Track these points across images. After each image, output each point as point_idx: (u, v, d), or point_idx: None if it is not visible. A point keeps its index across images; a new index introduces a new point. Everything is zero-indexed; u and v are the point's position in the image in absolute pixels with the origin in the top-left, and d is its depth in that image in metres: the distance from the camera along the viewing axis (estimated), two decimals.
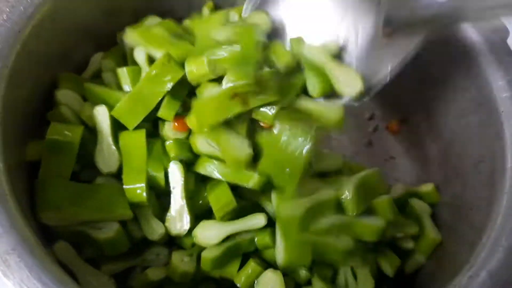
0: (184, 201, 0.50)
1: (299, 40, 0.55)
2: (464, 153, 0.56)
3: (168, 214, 0.51)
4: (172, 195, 0.51)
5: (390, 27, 0.50)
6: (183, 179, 0.50)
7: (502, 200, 0.45)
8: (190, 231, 0.50)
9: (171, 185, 0.51)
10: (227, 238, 0.50)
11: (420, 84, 0.64)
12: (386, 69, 0.51)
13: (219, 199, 0.50)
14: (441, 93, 0.61)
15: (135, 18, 0.62)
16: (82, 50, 0.62)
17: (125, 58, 0.61)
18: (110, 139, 0.52)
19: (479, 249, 0.43)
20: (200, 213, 0.52)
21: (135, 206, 0.49)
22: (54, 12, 0.53)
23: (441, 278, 0.51)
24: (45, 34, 0.53)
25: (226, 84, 0.49)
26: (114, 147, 0.51)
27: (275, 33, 0.57)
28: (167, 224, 0.51)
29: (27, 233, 0.40)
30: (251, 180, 0.49)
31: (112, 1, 0.62)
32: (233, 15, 0.60)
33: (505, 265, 0.41)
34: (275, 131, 0.49)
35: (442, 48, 0.58)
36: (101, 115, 0.52)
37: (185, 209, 0.50)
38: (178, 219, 0.50)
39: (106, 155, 0.52)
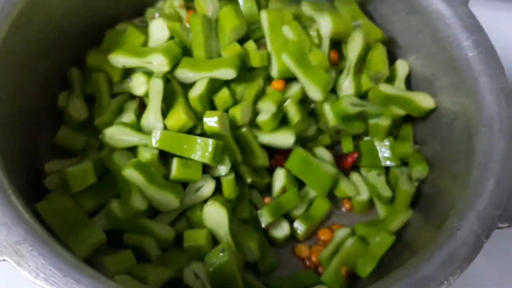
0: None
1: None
2: (438, 113, 0.60)
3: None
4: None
5: None
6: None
7: (480, 149, 0.48)
8: None
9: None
10: None
11: (389, 55, 0.68)
12: None
13: None
14: (411, 61, 0.64)
15: (113, 14, 0.62)
16: (60, 48, 0.61)
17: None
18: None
19: (464, 194, 0.46)
20: None
21: None
22: (30, 10, 0.53)
23: (429, 229, 0.55)
24: (23, 32, 0.53)
25: None
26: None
27: None
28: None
29: (35, 224, 0.40)
30: None
31: None
32: None
33: (491, 203, 0.44)
34: None
35: (408, 17, 0.62)
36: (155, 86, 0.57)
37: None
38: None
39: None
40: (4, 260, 0.37)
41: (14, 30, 0.51)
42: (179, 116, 0.55)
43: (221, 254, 0.50)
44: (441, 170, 0.57)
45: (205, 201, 0.55)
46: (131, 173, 0.52)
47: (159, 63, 0.58)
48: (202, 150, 0.53)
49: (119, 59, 0.60)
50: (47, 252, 0.38)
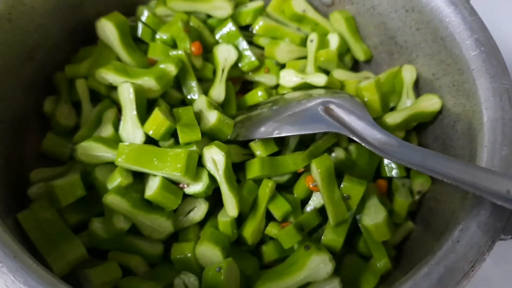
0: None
1: None
2: (441, 115, 0.57)
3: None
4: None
5: None
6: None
7: (483, 153, 0.45)
8: None
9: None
10: None
11: (389, 55, 0.65)
12: None
13: None
14: (411, 61, 0.61)
15: (102, 13, 0.60)
16: (46, 51, 0.59)
17: None
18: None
19: (466, 204, 0.43)
20: None
21: None
22: (10, 11, 0.51)
23: (429, 239, 0.52)
24: (3, 35, 0.51)
25: None
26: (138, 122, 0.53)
27: None
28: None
29: (7, 237, 0.38)
30: None
31: None
32: None
33: (493, 214, 0.41)
34: None
35: (408, 15, 0.59)
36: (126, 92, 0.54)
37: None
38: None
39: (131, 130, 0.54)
40: None
41: None
42: (155, 117, 0.52)
43: (217, 271, 0.47)
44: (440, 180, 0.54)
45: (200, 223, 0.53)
46: (113, 200, 0.48)
47: (150, 87, 0.56)
48: (173, 161, 0.49)
49: (108, 76, 0.57)
50: (18, 268, 0.36)
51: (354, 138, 0.51)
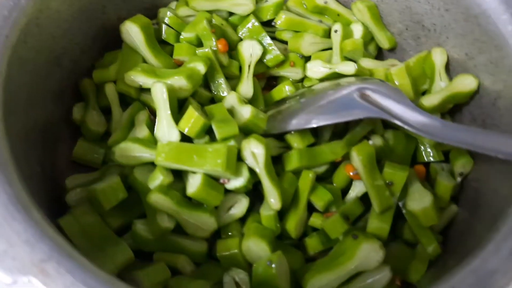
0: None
1: None
2: (477, 95, 0.56)
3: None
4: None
5: None
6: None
7: None
8: None
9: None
10: None
11: (415, 40, 0.64)
12: None
13: None
14: (440, 43, 0.60)
15: (125, 18, 0.59)
16: (72, 56, 0.59)
17: None
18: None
19: None
20: None
21: None
22: (38, 16, 0.50)
23: (477, 221, 0.51)
24: (33, 40, 0.50)
25: None
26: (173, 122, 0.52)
27: None
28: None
29: (60, 239, 0.37)
30: None
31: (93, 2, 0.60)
32: None
33: None
34: None
35: None
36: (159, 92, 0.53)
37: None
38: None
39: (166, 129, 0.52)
40: (29, 281, 0.34)
41: (24, 38, 0.48)
42: (189, 115, 0.51)
43: (268, 265, 0.46)
44: (486, 159, 0.53)
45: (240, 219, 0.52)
46: (157, 199, 0.47)
47: (181, 86, 0.55)
48: (213, 157, 0.48)
49: (138, 78, 0.56)
50: (76, 268, 0.35)
51: (396, 122, 0.50)
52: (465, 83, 0.56)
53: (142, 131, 0.54)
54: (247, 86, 0.62)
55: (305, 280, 0.49)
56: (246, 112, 0.54)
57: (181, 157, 0.49)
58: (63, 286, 0.34)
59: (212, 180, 0.50)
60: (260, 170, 0.50)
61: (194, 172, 0.50)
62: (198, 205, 0.50)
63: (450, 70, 0.60)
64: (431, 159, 0.58)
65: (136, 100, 0.59)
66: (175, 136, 0.52)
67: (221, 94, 0.60)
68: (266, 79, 0.68)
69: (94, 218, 0.49)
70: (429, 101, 0.56)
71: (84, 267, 0.35)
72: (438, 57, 0.60)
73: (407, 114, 0.50)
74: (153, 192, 0.47)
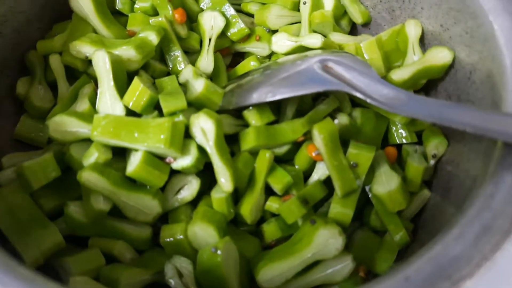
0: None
1: None
2: (452, 69, 0.51)
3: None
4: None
5: None
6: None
7: (508, 98, 0.40)
8: None
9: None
10: None
11: (390, 13, 0.59)
12: None
13: None
14: (415, 15, 0.56)
15: None
16: (15, 25, 0.54)
17: None
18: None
19: (496, 154, 0.38)
20: None
21: None
22: None
23: (450, 206, 0.46)
24: None
25: None
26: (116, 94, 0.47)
27: None
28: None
29: None
30: None
31: None
32: None
33: None
34: None
35: None
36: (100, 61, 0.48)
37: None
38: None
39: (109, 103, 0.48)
40: None
41: None
42: (134, 87, 0.46)
43: (213, 252, 0.42)
44: (460, 138, 0.48)
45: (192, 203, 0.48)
46: (90, 178, 0.43)
47: (130, 57, 0.51)
48: (156, 133, 0.43)
49: (83, 49, 0.52)
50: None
51: (358, 95, 0.45)
52: (439, 56, 0.51)
53: (83, 104, 0.49)
54: (206, 61, 0.57)
55: (257, 269, 0.44)
56: (199, 86, 0.50)
57: (119, 132, 0.44)
58: None
59: (155, 158, 0.45)
60: (210, 148, 0.46)
61: (136, 150, 0.45)
62: (140, 186, 0.45)
63: (425, 44, 0.55)
64: (404, 140, 0.54)
65: (83, 74, 0.54)
66: (119, 111, 0.47)
67: (178, 68, 0.56)
68: (232, 55, 0.63)
69: (23, 198, 0.44)
70: (398, 75, 0.51)
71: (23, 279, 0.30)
72: (412, 30, 0.55)
73: (371, 87, 0.45)
74: (85, 169, 0.42)
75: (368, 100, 0.44)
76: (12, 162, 0.50)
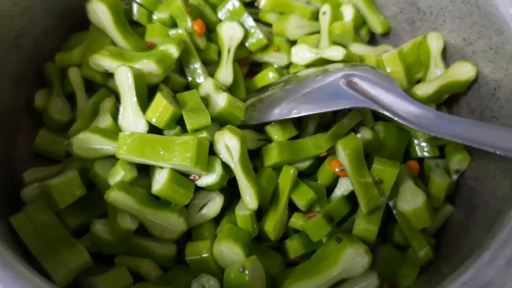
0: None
1: None
2: (475, 84, 0.51)
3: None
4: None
5: None
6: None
7: None
8: None
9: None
10: None
11: (410, 24, 0.59)
12: None
13: None
14: (437, 27, 0.55)
15: None
16: (34, 38, 0.54)
17: None
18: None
19: None
20: None
21: None
22: None
23: (474, 223, 0.46)
24: None
25: None
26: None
27: None
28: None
29: None
30: None
31: None
32: None
33: None
34: None
35: None
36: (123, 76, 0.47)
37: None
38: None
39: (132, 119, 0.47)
40: None
41: None
42: (158, 103, 0.46)
43: (241, 271, 0.42)
44: (484, 155, 0.48)
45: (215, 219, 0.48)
46: (117, 197, 0.42)
47: (151, 71, 0.50)
48: (182, 151, 0.42)
49: (103, 62, 0.51)
50: (9, 278, 0.30)
51: (386, 113, 0.45)
52: (463, 71, 0.51)
53: (105, 120, 0.49)
54: (226, 72, 0.57)
55: (284, 286, 0.44)
56: (221, 100, 0.49)
57: (145, 150, 0.44)
58: None
59: (180, 176, 0.45)
60: (235, 165, 0.46)
61: (161, 168, 0.45)
62: (166, 204, 0.45)
63: (446, 57, 0.55)
64: (425, 154, 0.53)
65: (103, 87, 0.54)
66: (142, 127, 0.47)
67: (197, 80, 0.55)
68: (249, 65, 0.63)
69: (49, 217, 0.44)
70: (423, 90, 0.51)
71: (20, 276, 0.30)
72: (434, 42, 0.55)
73: (397, 104, 0.45)
74: (112, 189, 0.42)
75: (396, 119, 0.44)
76: (34, 177, 0.50)
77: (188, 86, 0.56)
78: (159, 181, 0.44)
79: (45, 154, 0.54)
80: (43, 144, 0.54)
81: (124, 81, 0.48)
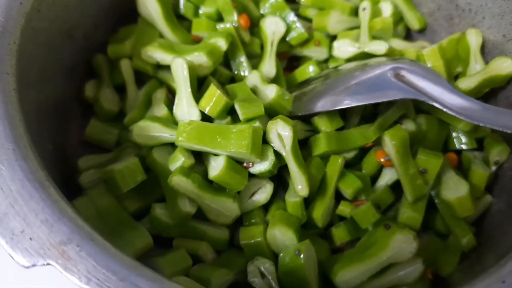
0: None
1: None
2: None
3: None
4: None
5: None
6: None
7: None
8: None
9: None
10: None
11: (448, 21, 0.61)
12: None
13: None
14: (475, 24, 0.57)
15: None
16: (85, 29, 0.56)
17: None
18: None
19: None
20: None
21: None
22: None
23: None
24: (46, 9, 0.47)
25: None
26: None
27: None
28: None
29: (80, 220, 0.34)
30: None
31: None
32: None
33: None
34: None
35: None
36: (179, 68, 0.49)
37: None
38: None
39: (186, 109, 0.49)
40: (48, 264, 0.31)
41: (38, 6, 0.45)
42: (211, 93, 0.47)
43: (296, 254, 0.43)
44: None
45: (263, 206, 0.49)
46: (179, 182, 0.44)
47: (201, 63, 0.52)
48: (238, 139, 0.44)
49: (155, 54, 0.53)
50: (98, 252, 0.32)
51: (435, 104, 0.46)
52: (503, 66, 0.53)
53: (160, 110, 0.50)
54: (269, 65, 0.58)
55: (334, 271, 0.46)
56: (270, 92, 0.51)
57: (203, 138, 0.45)
58: (85, 271, 0.31)
59: (236, 163, 0.46)
60: (287, 153, 0.47)
61: (216, 155, 0.47)
62: (221, 189, 0.47)
63: (484, 52, 0.57)
64: (464, 146, 0.55)
65: (153, 78, 0.56)
66: (195, 116, 0.49)
67: (242, 73, 0.57)
68: (288, 59, 0.65)
69: (110, 200, 0.45)
70: (465, 84, 0.53)
71: (106, 251, 0.32)
72: (473, 39, 0.56)
73: (445, 96, 0.47)
74: (174, 174, 0.44)
75: (445, 109, 0.46)
76: (87, 164, 0.52)
77: (233, 79, 0.58)
78: (216, 168, 0.46)
79: (95, 142, 0.56)
80: (94, 133, 0.56)
81: (180, 73, 0.49)
